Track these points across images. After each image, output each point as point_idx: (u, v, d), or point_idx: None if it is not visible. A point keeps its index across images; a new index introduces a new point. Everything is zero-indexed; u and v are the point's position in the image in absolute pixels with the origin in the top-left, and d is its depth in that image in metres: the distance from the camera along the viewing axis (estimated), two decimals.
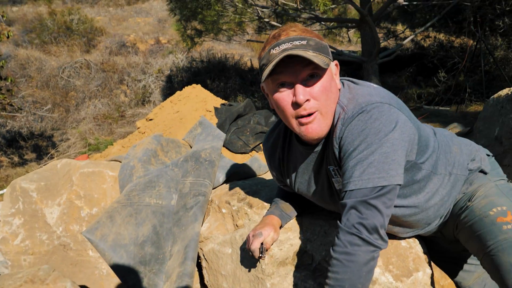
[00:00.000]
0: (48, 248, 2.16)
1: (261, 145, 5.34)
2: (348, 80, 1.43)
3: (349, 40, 10.87)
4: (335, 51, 8.76)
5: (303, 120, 1.30)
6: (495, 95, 3.01)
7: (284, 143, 1.61)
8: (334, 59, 1.40)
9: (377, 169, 1.23)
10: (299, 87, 1.26)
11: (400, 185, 1.27)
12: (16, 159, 8.37)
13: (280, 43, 1.26)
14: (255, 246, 1.53)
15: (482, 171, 1.57)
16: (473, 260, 1.81)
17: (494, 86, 7.67)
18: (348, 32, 10.64)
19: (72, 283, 1.60)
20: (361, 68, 8.76)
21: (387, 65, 10.06)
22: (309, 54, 1.22)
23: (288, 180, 1.66)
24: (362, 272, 1.23)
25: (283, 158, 1.63)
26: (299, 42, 1.25)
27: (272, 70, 1.25)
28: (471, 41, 8.44)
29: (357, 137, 1.25)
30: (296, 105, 1.28)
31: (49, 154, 8.39)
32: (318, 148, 1.44)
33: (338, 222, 1.28)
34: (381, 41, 8.49)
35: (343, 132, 1.29)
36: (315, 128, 1.32)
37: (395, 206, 1.40)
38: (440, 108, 7.93)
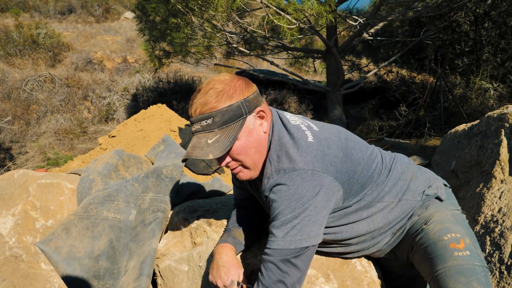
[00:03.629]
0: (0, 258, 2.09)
1: (224, 167, 5.36)
2: (283, 125, 1.50)
3: (315, 70, 11.16)
4: (301, 80, 8.97)
5: (232, 172, 1.51)
6: (453, 130, 3.14)
7: None
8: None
9: (299, 232, 1.34)
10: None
11: (316, 245, 1.39)
12: None
13: (193, 122, 1.44)
14: None
15: (438, 198, 1.64)
16: None
17: (452, 122, 8.02)
18: (314, 62, 10.92)
19: None
20: (325, 97, 8.98)
21: (350, 96, 10.38)
22: (210, 145, 1.36)
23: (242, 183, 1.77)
24: None
25: None
26: (205, 122, 1.38)
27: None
28: (432, 78, 8.85)
29: (282, 202, 1.36)
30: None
31: (6, 167, 8.08)
32: None
33: (260, 275, 1.38)
34: (345, 73, 8.78)
35: (268, 191, 1.41)
36: (243, 176, 1.50)
37: (329, 233, 1.56)
38: (401, 141, 8.21)
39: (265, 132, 1.47)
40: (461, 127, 3.06)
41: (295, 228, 1.33)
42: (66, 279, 1.90)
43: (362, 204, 1.54)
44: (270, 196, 1.40)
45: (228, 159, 1.43)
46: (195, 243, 1.93)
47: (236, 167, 1.46)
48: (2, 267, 2.07)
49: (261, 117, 1.47)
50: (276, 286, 1.33)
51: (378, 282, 1.73)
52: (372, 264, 1.79)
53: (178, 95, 11.51)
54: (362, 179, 1.52)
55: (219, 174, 4.73)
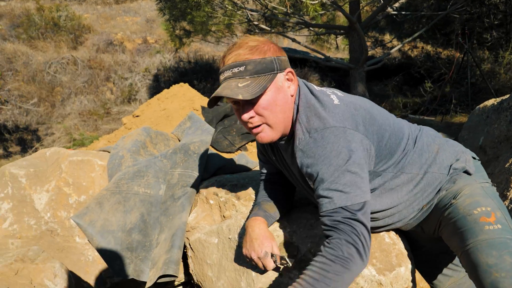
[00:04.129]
0: (36, 233, 2.17)
1: (246, 145, 5.38)
2: (309, 90, 1.50)
3: (337, 47, 11.00)
4: (323, 57, 8.86)
5: (254, 130, 1.45)
6: (481, 105, 3.08)
7: None
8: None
9: (352, 189, 1.31)
10: (243, 107, 1.41)
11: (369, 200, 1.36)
12: (0, 151, 8.27)
13: (224, 70, 1.41)
14: (271, 267, 1.55)
15: (466, 172, 1.60)
16: (451, 265, 1.86)
17: (479, 98, 7.78)
18: (337, 39, 10.76)
19: (60, 264, 1.62)
20: (348, 75, 8.87)
21: (374, 73, 10.21)
22: (240, 88, 1.34)
23: (269, 157, 1.76)
24: (349, 281, 1.31)
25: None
26: (237, 69, 1.37)
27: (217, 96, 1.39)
28: (458, 53, 8.59)
29: (321, 162, 1.34)
30: (243, 121, 1.43)
31: (34, 148, 8.30)
32: (283, 143, 1.55)
33: (331, 231, 1.33)
34: (368, 49, 8.62)
35: (304, 153, 1.39)
36: (265, 137, 1.45)
37: None
38: (426, 118, 8.05)
39: (292, 96, 1.46)
40: (490, 102, 2.99)
41: (347, 186, 1.31)
42: (101, 251, 1.96)
43: (389, 176, 1.52)
44: (305, 160, 1.39)
45: (252, 113, 1.40)
46: (224, 217, 1.96)
47: (259, 125, 1.43)
48: (39, 240, 2.15)
49: (290, 80, 1.46)
50: (353, 239, 1.28)
51: (405, 253, 1.73)
52: (399, 237, 1.79)
53: (199, 75, 11.54)
54: (389, 145, 1.50)
55: (242, 152, 4.75)
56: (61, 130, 9.35)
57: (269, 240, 1.55)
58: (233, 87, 1.35)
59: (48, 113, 10.32)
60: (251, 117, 1.41)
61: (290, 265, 1.55)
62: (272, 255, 1.53)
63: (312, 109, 1.42)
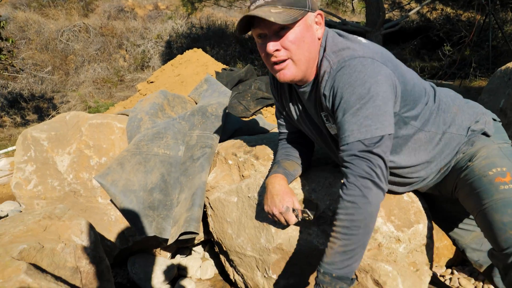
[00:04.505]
0: (60, 194, 2.23)
1: (261, 110, 5.37)
2: (336, 33, 1.48)
3: (353, 10, 10.75)
4: (339, 20, 8.68)
5: (276, 66, 1.42)
6: (503, 67, 3.00)
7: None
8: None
9: (373, 121, 1.30)
10: (269, 39, 1.37)
11: (392, 134, 1.34)
12: (18, 119, 8.39)
13: None
14: (293, 221, 1.57)
15: (485, 134, 1.59)
16: (471, 221, 1.86)
17: (500, 61, 7.53)
18: (353, 1, 10.50)
19: (86, 221, 1.67)
20: (364, 38, 8.68)
21: (391, 37, 9.97)
22: (272, 13, 1.30)
23: (288, 114, 1.74)
24: (374, 213, 1.31)
25: (282, 90, 1.70)
26: None
27: (247, 23, 1.39)
28: (479, 15, 8.30)
29: (345, 91, 1.32)
30: (268, 54, 1.38)
31: (50, 116, 8.40)
32: (305, 89, 1.52)
33: (345, 169, 1.34)
34: (386, 12, 8.40)
35: (330, 85, 1.38)
36: (287, 74, 1.42)
37: None
38: (444, 82, 7.89)
39: (319, 39, 1.44)
40: None
41: (368, 118, 1.30)
42: (124, 210, 2.01)
43: (411, 130, 1.50)
44: (331, 91, 1.37)
45: (278, 45, 1.36)
46: (243, 176, 1.98)
47: (283, 61, 1.40)
48: (63, 201, 2.21)
49: (319, 23, 1.44)
50: (367, 172, 1.30)
51: (423, 211, 1.75)
52: (417, 196, 1.80)
53: (212, 41, 11.41)
54: (413, 94, 1.47)
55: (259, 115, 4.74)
56: (76, 98, 9.42)
57: (289, 195, 1.57)
58: (265, 11, 1.31)
59: (62, 81, 10.37)
60: (277, 50, 1.37)
61: (312, 218, 1.57)
62: (293, 210, 1.55)
63: (340, 45, 1.40)
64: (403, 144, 1.53)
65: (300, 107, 1.64)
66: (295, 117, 1.69)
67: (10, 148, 6.12)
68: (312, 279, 1.75)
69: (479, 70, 7.81)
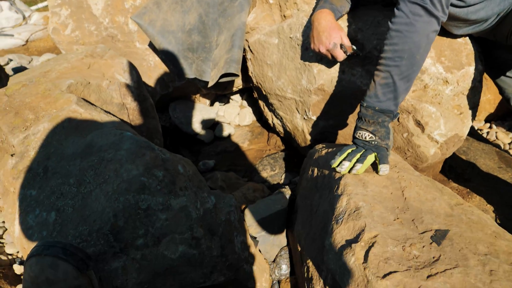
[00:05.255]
0: (97, 38, 2.21)
1: None
2: None
3: None
4: None
5: None
6: None
7: None
8: None
9: None
10: None
11: None
12: None
13: None
14: (341, 57, 1.50)
15: None
16: None
17: None
18: None
19: (128, 60, 1.67)
20: None
21: None
22: None
23: None
24: (422, 43, 1.22)
25: None
26: None
27: None
28: None
29: None
30: None
31: None
32: None
33: None
34: None
35: None
36: None
37: None
38: None
39: None
40: None
41: None
42: (163, 52, 1.99)
43: None
44: None
45: None
46: (284, 16, 1.88)
47: None
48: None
49: None
50: (412, 5, 1.21)
51: (477, 54, 1.65)
52: (471, 39, 1.69)
53: None
54: None
55: None
56: None
57: (336, 30, 1.49)
58: None
59: None
60: None
61: (361, 54, 1.51)
62: (341, 46, 1.48)
63: None
64: None
65: None
66: None
67: (40, 4, 6.03)
68: (352, 120, 1.76)
69: None
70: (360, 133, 1.32)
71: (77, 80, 1.46)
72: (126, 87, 1.60)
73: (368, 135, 1.30)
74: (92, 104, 1.45)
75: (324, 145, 1.62)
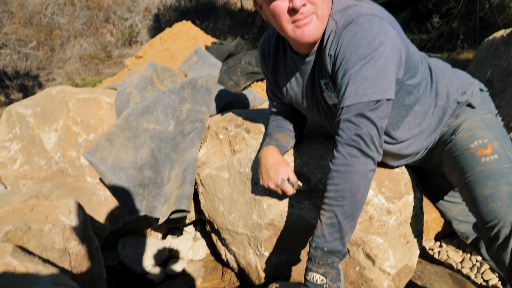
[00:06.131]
0: (47, 173, 2.19)
1: (251, 85, 5.31)
2: None
3: None
4: None
5: (300, 22, 1.29)
6: (490, 37, 2.98)
7: (276, 50, 1.60)
8: None
9: (371, 84, 1.24)
10: None
11: (391, 99, 1.29)
12: (2, 98, 8.22)
13: None
14: (291, 192, 1.55)
15: (470, 105, 1.56)
16: (457, 193, 1.85)
17: (487, 33, 7.50)
18: None
19: (74, 201, 1.64)
20: None
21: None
22: None
23: (281, 90, 1.66)
24: (361, 182, 1.27)
25: (275, 65, 1.63)
26: None
27: None
28: None
29: (348, 50, 1.26)
30: (292, 11, 1.27)
31: (36, 94, 8.24)
32: (310, 58, 1.44)
33: (336, 136, 1.30)
34: None
35: (335, 43, 1.31)
36: (311, 31, 1.31)
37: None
38: (432, 54, 7.87)
39: None
40: (500, 33, 2.91)
41: (366, 80, 1.24)
42: (113, 188, 1.98)
43: (410, 100, 1.46)
44: (337, 45, 1.30)
45: (305, 0, 1.26)
46: (234, 151, 1.95)
47: (309, 16, 1.29)
48: (50, 181, 2.17)
49: None
50: (354, 140, 1.25)
51: (413, 182, 1.75)
52: (407, 168, 1.80)
53: (201, 14, 11.18)
54: (414, 61, 1.42)
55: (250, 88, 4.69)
56: (63, 75, 9.23)
57: (283, 166, 1.55)
58: None
59: (48, 57, 10.14)
60: (304, 5, 1.26)
61: (306, 189, 1.57)
62: (288, 180, 1.53)
63: (346, 3, 1.34)
64: (405, 116, 1.49)
65: (296, 79, 1.57)
66: (289, 90, 1.63)
67: None
68: (304, 255, 1.75)
69: (466, 42, 7.81)
70: (311, 276, 1.31)
71: (17, 225, 1.40)
72: (70, 230, 1.55)
73: (320, 277, 1.29)
74: (30, 252, 1.38)
75: (278, 285, 1.58)
